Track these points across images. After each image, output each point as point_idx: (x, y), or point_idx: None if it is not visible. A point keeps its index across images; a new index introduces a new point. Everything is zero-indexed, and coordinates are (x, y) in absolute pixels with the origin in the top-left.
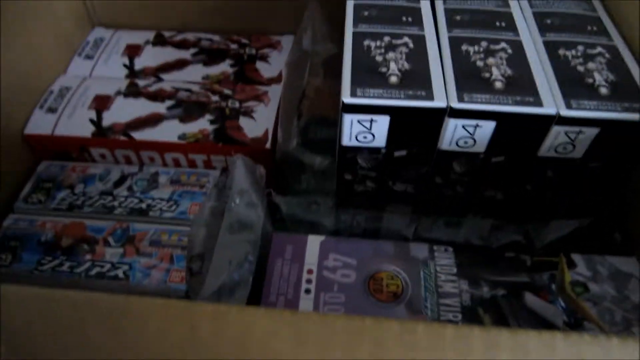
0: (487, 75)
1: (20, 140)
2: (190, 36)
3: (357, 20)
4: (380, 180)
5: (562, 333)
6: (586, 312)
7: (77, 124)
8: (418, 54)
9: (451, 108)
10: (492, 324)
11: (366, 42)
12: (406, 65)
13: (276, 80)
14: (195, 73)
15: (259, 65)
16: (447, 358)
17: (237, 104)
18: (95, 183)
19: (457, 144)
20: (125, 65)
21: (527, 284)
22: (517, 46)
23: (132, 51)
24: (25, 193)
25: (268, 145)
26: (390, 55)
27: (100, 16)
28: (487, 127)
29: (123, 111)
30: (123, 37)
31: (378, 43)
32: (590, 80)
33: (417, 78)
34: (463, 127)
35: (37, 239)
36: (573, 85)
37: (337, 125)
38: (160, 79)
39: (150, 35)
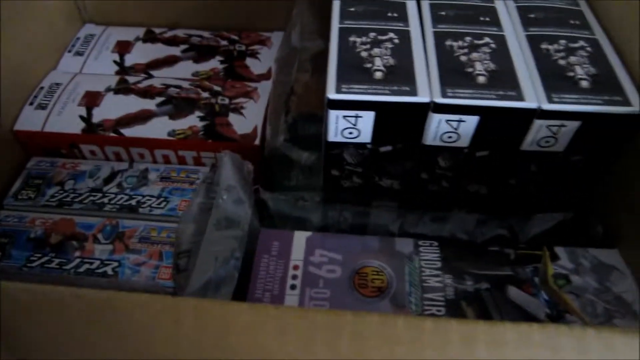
0: (470, 70)
1: (11, 136)
2: (181, 33)
3: (343, 16)
4: (366, 175)
5: (539, 324)
6: (568, 304)
7: (67, 120)
8: (403, 49)
9: (434, 103)
10: (475, 317)
11: (352, 38)
12: (391, 61)
13: (266, 76)
14: (185, 69)
15: (249, 61)
16: (426, 350)
17: (226, 101)
18: (85, 180)
19: (441, 139)
20: (115, 62)
21: (510, 277)
22: (501, 41)
23: (123, 48)
24: (15, 189)
25: (257, 141)
26: (376, 50)
27: (91, 13)
28: (471, 122)
29: (113, 108)
30: (113, 33)
31: (363, 39)
32: (571, 74)
33: (401, 73)
34: (447, 122)
35: (26, 236)
36: (555, 79)
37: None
38: (150, 76)
39: (141, 31)
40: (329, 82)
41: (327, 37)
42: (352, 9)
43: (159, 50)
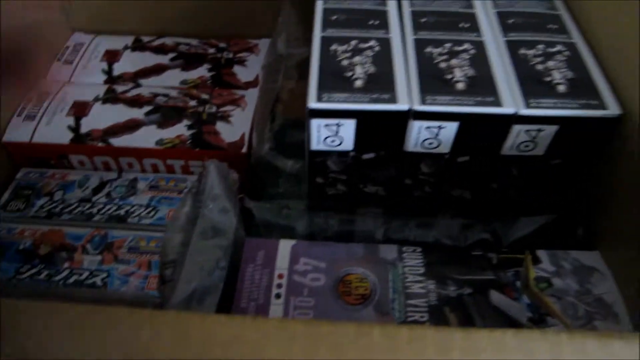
0: (449, 76)
1: None
2: (169, 41)
3: (325, 25)
4: (350, 183)
5: (513, 330)
6: (550, 307)
7: (55, 130)
8: (383, 57)
9: (414, 110)
10: (457, 323)
11: (333, 47)
12: (372, 69)
13: (253, 84)
14: (173, 78)
15: (237, 69)
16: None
17: (214, 109)
18: (74, 190)
19: (422, 145)
20: (104, 71)
21: (492, 281)
22: (480, 47)
23: (111, 57)
24: (4, 200)
25: (244, 149)
26: (357, 59)
27: (79, 21)
28: (451, 128)
29: (101, 117)
30: (102, 42)
31: (345, 47)
32: (549, 79)
33: (381, 81)
34: (427, 128)
35: (15, 247)
36: (533, 83)
37: None
38: (138, 85)
39: (129, 40)
40: (310, 92)
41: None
42: (334, 17)
43: (147, 59)
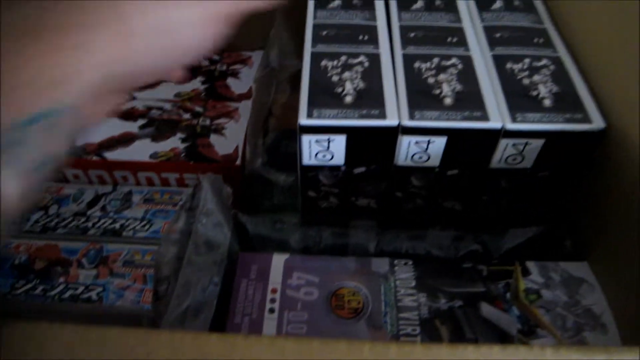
0: (437, 91)
1: None
2: None
3: (315, 40)
4: (343, 196)
5: (500, 346)
6: (539, 319)
7: None
8: (373, 72)
9: (403, 126)
10: (449, 335)
11: (323, 63)
12: (361, 84)
13: (246, 96)
14: (167, 90)
15: (230, 81)
16: None
17: (207, 122)
18: (69, 204)
19: (412, 159)
20: None
21: (483, 293)
22: (467, 61)
23: None
24: None
25: (238, 162)
26: (346, 74)
27: None
28: (439, 143)
29: (95, 131)
30: None
31: (335, 63)
32: (535, 93)
33: (371, 97)
34: (416, 143)
35: (10, 262)
36: (519, 98)
37: None
38: (132, 97)
39: None
40: (300, 108)
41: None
42: (325, 33)
43: None
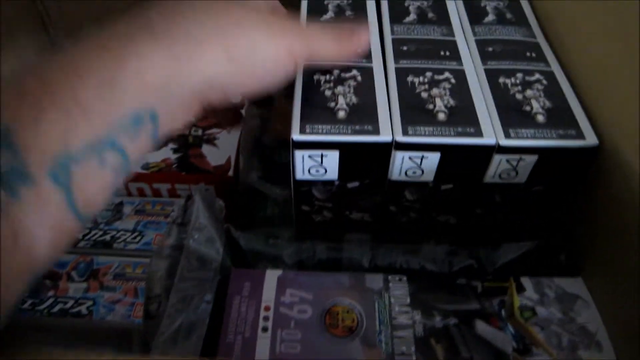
0: (431, 106)
1: None
2: None
3: None
4: (336, 210)
5: None
6: (534, 337)
7: None
8: (366, 87)
9: (396, 142)
10: (444, 354)
11: (316, 77)
12: (354, 99)
13: (239, 105)
14: None
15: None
16: None
17: (199, 132)
18: None
19: (406, 174)
20: None
21: (478, 311)
22: (460, 75)
23: None
24: None
25: (231, 172)
26: (339, 89)
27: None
28: (433, 158)
29: None
30: None
31: (328, 77)
32: (528, 108)
33: (364, 112)
34: (410, 158)
35: None
36: (512, 113)
37: None
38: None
39: None
40: (293, 123)
41: None
42: None
43: None
